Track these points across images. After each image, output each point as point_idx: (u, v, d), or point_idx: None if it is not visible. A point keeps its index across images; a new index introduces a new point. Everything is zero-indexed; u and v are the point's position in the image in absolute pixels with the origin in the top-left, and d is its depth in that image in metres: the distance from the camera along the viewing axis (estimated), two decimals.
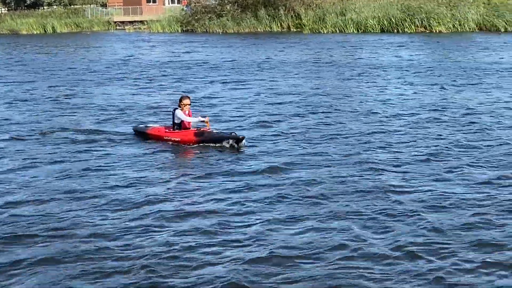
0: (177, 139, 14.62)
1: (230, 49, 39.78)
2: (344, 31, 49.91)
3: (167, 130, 15.01)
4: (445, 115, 17.31)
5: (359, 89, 22.59)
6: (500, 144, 13.87)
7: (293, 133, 15.48)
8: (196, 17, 58.29)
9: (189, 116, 14.76)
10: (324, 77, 25.93)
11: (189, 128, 14.84)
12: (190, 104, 14.78)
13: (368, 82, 24.16)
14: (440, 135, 14.90)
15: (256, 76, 26.70)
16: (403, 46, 38.19)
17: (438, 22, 47.23)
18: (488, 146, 13.75)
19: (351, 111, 18.19)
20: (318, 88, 22.86)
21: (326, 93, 21.68)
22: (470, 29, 47.03)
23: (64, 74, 29.34)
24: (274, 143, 14.47)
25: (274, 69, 29.20)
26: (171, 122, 14.92)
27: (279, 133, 15.45)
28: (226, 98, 21.14)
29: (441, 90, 21.72)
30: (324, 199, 10.31)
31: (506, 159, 12.62)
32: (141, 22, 68.67)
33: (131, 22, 70.97)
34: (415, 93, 21.38)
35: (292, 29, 54.23)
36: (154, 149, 14.21)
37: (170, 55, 37.70)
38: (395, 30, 48.23)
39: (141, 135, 15.39)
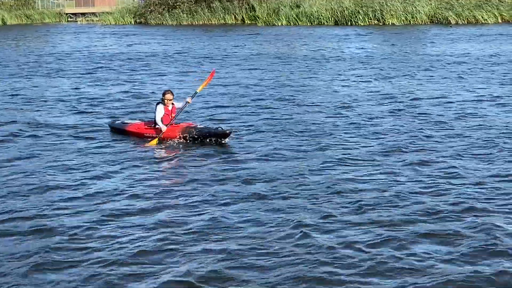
0: (161, 135, 13.90)
1: (183, 42, 39.48)
2: (298, 23, 50.00)
3: (147, 127, 14.33)
4: (396, 106, 17.45)
5: (312, 81, 22.60)
6: (453, 136, 14.00)
7: (249, 125, 15.40)
8: (149, 9, 57.71)
9: (173, 111, 14.10)
10: (277, 70, 25.90)
11: (172, 123, 14.13)
12: (172, 99, 14.10)
13: (322, 75, 24.19)
14: (392, 126, 14.98)
15: (208, 68, 26.54)
16: (356, 38, 38.42)
17: (391, 15, 47.64)
18: (439, 136, 13.87)
19: (304, 104, 18.18)
20: (270, 80, 22.81)
21: (280, 85, 21.63)
22: (422, 21, 47.56)
23: (14, 67, 28.70)
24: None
25: (227, 61, 29.06)
26: (153, 118, 14.19)
27: (231, 126, 15.35)
28: (178, 91, 20.95)
29: (392, 82, 21.88)
30: (273, 195, 10.25)
31: (458, 149, 12.74)
32: (94, 14, 67.70)
33: (83, 14, 69.90)
34: (367, 84, 21.50)
35: (246, 22, 54.11)
36: (134, 146, 13.65)
37: (122, 47, 37.22)
38: (349, 23, 48.48)
39: (119, 132, 14.70)
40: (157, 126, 14.04)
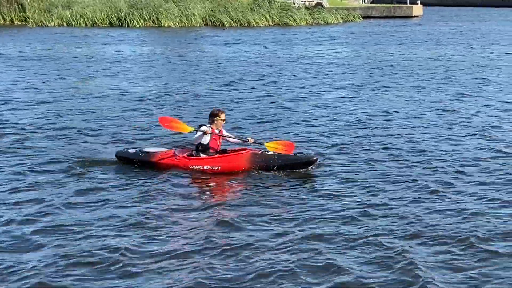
0: (216, 167, 11.04)
1: None
2: (72, 24, 48.27)
3: (187, 156, 11.25)
4: (158, 105, 17.28)
5: (85, 82, 21.78)
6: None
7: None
8: None
9: (218, 135, 11.24)
10: (50, 72, 24.64)
11: (226, 151, 11.33)
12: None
13: (98, 75, 23.43)
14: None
15: None
16: (130, 40, 37.85)
17: (167, 17, 47.64)
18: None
19: (74, 108, 17.40)
20: (46, 83, 21.63)
21: (53, 89, 20.56)
22: (197, 24, 48.13)
23: None
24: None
25: None
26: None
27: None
28: None
29: (169, 82, 21.72)
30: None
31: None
32: None
33: None
34: (140, 86, 21.13)
35: (16, 22, 51.14)
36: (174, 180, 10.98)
37: None
38: (125, 24, 47.71)
39: (142, 163, 11.38)
40: (201, 155, 11.17)
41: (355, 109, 17.25)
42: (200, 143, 11.14)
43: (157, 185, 10.59)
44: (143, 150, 11.66)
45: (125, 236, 8.45)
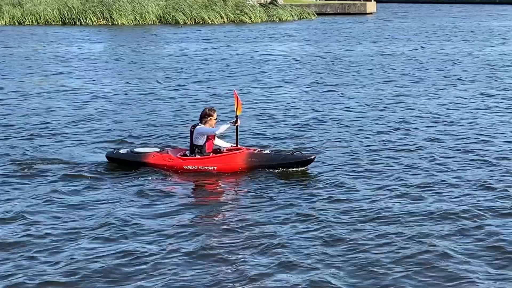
0: (212, 167, 10.85)
1: None
2: (23, 23, 47.39)
3: (181, 155, 11.06)
4: (111, 105, 17.07)
5: (41, 83, 21.42)
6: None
7: None
8: None
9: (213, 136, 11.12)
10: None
11: (220, 151, 11.07)
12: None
13: (50, 74, 23.05)
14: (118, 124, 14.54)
15: None
16: (84, 38, 37.36)
17: (120, 15, 47.12)
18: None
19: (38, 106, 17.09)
20: None
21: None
22: (151, 21, 47.72)
23: None
24: None
25: None
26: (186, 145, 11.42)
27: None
28: None
29: (121, 81, 21.49)
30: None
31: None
32: None
33: None
34: (98, 84, 20.84)
35: None
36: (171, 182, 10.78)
37: None
38: (78, 22, 47.03)
39: (132, 164, 11.15)
40: (197, 156, 10.97)
41: (306, 105, 17.35)
42: (196, 144, 10.92)
43: (150, 186, 10.40)
44: (135, 150, 11.46)
45: (117, 237, 8.29)
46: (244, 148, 11.27)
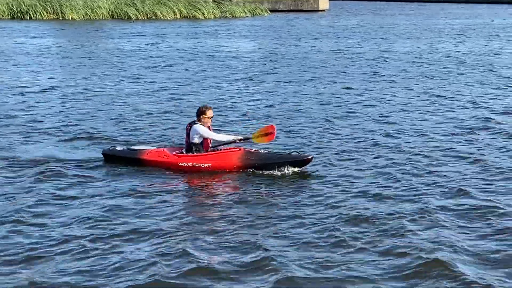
0: (206, 165, 10.65)
1: None
2: None
3: (177, 153, 10.90)
4: (63, 102, 16.97)
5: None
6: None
7: None
8: None
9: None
10: None
11: (217, 149, 10.95)
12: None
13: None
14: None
15: None
16: (33, 33, 36.84)
17: (71, 9, 46.58)
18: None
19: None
20: None
21: None
22: (102, 17, 47.29)
23: None
24: None
25: None
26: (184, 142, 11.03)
27: None
28: None
29: (72, 77, 21.33)
30: None
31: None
32: None
33: None
34: (39, 80, 20.64)
35: None
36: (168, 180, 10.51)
37: None
38: (28, 17, 46.33)
39: (128, 161, 11.04)
40: (194, 153, 10.79)
41: (257, 101, 17.48)
42: (193, 142, 10.78)
43: (144, 183, 10.25)
44: (131, 147, 11.45)
45: (115, 235, 8.15)
46: (240, 147, 11.11)
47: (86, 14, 47.04)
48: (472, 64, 24.99)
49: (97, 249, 7.71)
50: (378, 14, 59.66)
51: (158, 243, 7.88)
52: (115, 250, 7.69)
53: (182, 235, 8.16)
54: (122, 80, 21.06)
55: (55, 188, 9.99)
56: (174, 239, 8.02)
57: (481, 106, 16.66)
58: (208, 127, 10.86)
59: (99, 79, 21.30)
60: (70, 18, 46.23)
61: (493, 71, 23.09)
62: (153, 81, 20.99)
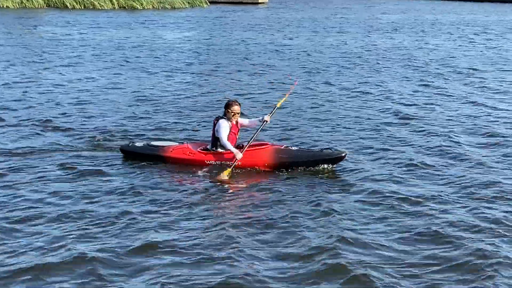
0: (235, 163, 10.22)
1: None
2: None
3: (201, 150, 10.55)
4: (26, 95, 17.05)
5: None
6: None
7: None
8: None
9: (237, 127, 10.61)
10: None
11: (242, 146, 10.45)
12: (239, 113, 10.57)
13: None
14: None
15: None
16: None
17: None
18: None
19: None
20: None
21: None
22: (38, 5, 46.73)
23: None
24: None
25: None
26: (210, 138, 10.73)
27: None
28: None
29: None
30: None
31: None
32: None
33: None
34: None
35: None
36: (189, 181, 10.11)
37: None
38: None
39: (149, 158, 10.67)
40: (219, 150, 10.46)
41: (199, 94, 17.84)
42: (218, 137, 10.49)
43: (166, 181, 10.01)
44: (152, 143, 11.01)
45: (134, 233, 8.04)
46: (269, 144, 10.77)
47: (22, 2, 46.41)
48: (396, 59, 25.83)
49: (114, 250, 7.56)
50: (319, 8, 60.35)
51: (184, 240, 7.84)
52: (134, 253, 7.54)
53: (206, 232, 8.09)
54: (55, 69, 21.14)
55: (70, 185, 9.76)
56: (198, 236, 7.97)
57: (396, 101, 17.39)
58: (236, 122, 10.63)
59: (23, 67, 21.32)
60: (4, 6, 45.57)
61: (415, 66, 23.93)
62: (83, 71, 21.12)
